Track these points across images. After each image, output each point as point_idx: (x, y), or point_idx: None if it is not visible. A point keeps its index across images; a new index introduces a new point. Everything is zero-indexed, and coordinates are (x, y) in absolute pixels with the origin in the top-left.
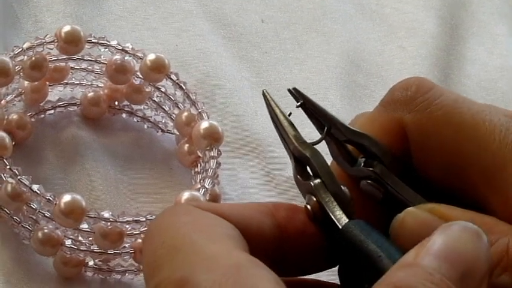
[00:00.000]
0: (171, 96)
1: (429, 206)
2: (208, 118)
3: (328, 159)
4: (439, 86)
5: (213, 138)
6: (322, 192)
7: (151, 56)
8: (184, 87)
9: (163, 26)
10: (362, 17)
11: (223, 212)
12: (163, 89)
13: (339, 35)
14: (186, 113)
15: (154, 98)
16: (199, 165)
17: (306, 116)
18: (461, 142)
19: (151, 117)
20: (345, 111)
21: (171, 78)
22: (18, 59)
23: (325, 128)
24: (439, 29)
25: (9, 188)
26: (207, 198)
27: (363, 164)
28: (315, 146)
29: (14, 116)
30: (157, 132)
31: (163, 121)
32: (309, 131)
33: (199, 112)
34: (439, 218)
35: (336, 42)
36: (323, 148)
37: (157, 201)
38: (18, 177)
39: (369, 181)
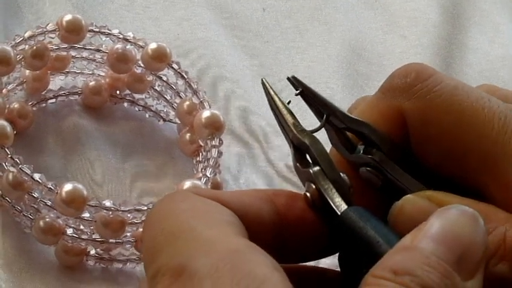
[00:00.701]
0: (172, 85)
1: (427, 193)
2: (209, 107)
3: (328, 147)
4: (439, 73)
5: (215, 127)
6: (321, 179)
7: (152, 45)
8: (185, 76)
9: (165, 15)
10: (364, 6)
11: (222, 198)
12: (164, 78)
13: (341, 24)
14: (187, 102)
15: (156, 87)
16: (200, 154)
17: (305, 104)
18: (461, 129)
19: (152, 106)
20: (346, 99)
21: (172, 67)
22: (20, 48)
23: (324, 116)
24: (440, 18)
25: (10, 176)
26: (209, 187)
27: (362, 151)
28: (314, 134)
29: (16, 105)
30: (159, 121)
31: (164, 110)
32: (310, 121)
33: (201, 101)
34: (437, 205)
35: (337, 31)
36: (322, 136)
37: (159, 190)
38: (20, 166)
39: (368, 168)
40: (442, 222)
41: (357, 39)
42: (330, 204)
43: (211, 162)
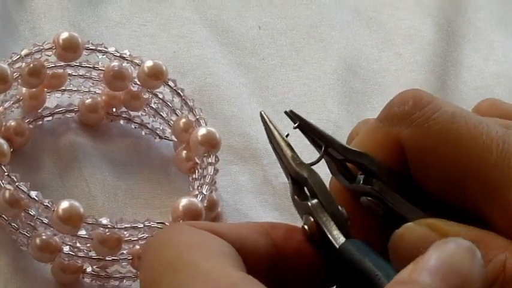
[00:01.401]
0: (168, 103)
1: (428, 221)
2: (206, 125)
3: (327, 180)
4: (437, 99)
5: (211, 144)
6: (319, 212)
7: (149, 63)
8: (182, 94)
9: (161, 33)
10: (359, 24)
11: (219, 230)
12: (161, 96)
13: (336, 41)
14: (183, 120)
15: (152, 105)
16: (197, 171)
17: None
18: (460, 157)
19: (149, 123)
20: (342, 117)
21: (168, 85)
22: (17, 65)
23: (323, 148)
24: (435, 35)
25: (7, 194)
26: (205, 205)
27: (362, 181)
28: (313, 166)
29: (12, 123)
30: (155, 138)
31: (161, 127)
32: (310, 154)
33: (197, 119)
34: (437, 233)
35: (333, 49)
36: (322, 168)
37: (155, 208)
38: (16, 183)
39: (369, 198)
40: (439, 256)
41: (352, 57)
42: (328, 237)
43: (207, 180)
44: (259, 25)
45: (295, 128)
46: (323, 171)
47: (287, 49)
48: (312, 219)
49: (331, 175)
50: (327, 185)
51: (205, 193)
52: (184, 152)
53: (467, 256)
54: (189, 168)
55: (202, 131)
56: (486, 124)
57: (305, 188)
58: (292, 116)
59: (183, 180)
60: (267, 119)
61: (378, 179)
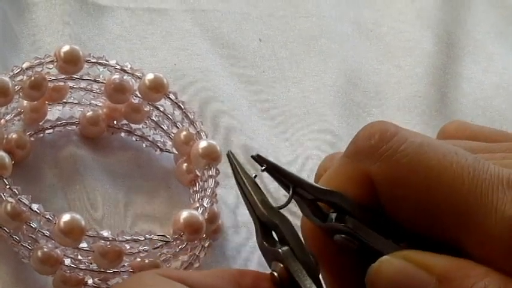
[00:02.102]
0: (169, 116)
1: (403, 253)
2: (206, 137)
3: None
4: (402, 130)
5: (212, 157)
6: (291, 260)
7: (150, 76)
8: (182, 107)
9: (162, 45)
10: (359, 36)
11: (188, 280)
12: (162, 108)
13: (336, 54)
14: (184, 132)
15: (153, 117)
16: (197, 184)
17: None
18: (431, 188)
19: (149, 136)
20: (342, 129)
21: (169, 98)
22: (18, 78)
23: (291, 190)
24: (435, 47)
25: (8, 207)
26: (206, 217)
27: (334, 219)
28: (282, 210)
29: (14, 135)
30: (156, 151)
31: (161, 140)
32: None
33: (198, 131)
34: (414, 264)
35: (333, 62)
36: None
37: (156, 220)
38: (18, 196)
39: (342, 235)
40: None
41: (352, 69)
42: (300, 286)
43: (208, 192)
44: (260, 37)
45: (262, 171)
46: (293, 211)
47: (287, 61)
48: (282, 266)
49: (301, 215)
50: (298, 230)
51: (206, 205)
52: (185, 164)
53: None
54: (189, 181)
55: (203, 144)
56: (455, 152)
57: (273, 233)
58: (259, 160)
59: (184, 193)
60: (234, 161)
61: (350, 215)
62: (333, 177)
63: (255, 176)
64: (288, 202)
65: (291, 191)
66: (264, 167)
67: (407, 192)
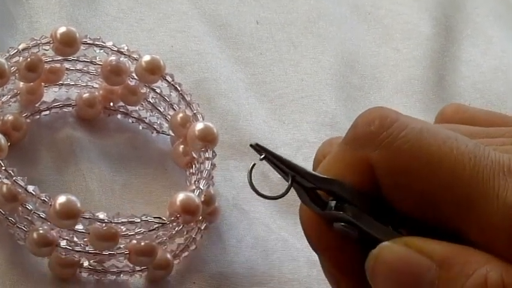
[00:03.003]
0: (166, 97)
1: (404, 239)
2: (203, 119)
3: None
4: (403, 116)
5: (208, 139)
6: (358, 215)
7: (146, 57)
8: (179, 89)
9: (159, 27)
10: (357, 19)
11: None
12: (158, 90)
13: (334, 36)
14: (181, 114)
15: (150, 99)
16: (194, 166)
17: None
18: (432, 175)
19: (146, 118)
20: (339, 112)
21: (166, 80)
22: (14, 60)
23: (290, 178)
24: (433, 30)
25: (4, 189)
26: (202, 199)
27: (333, 208)
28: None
29: (9, 117)
30: (152, 133)
31: (158, 122)
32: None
33: (195, 113)
34: (414, 250)
35: (330, 44)
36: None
37: (152, 202)
38: (14, 178)
39: (342, 223)
40: None
41: (350, 52)
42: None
43: (204, 175)
44: (257, 20)
45: (261, 160)
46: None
47: (285, 44)
48: (346, 225)
49: (300, 203)
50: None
51: (202, 188)
52: (182, 146)
53: None
54: (186, 163)
55: (199, 126)
56: (455, 138)
57: (321, 197)
58: (257, 148)
59: (180, 175)
60: (261, 146)
61: (349, 203)
62: (332, 164)
63: (253, 165)
64: (287, 190)
65: (290, 180)
66: (262, 156)
67: (408, 179)
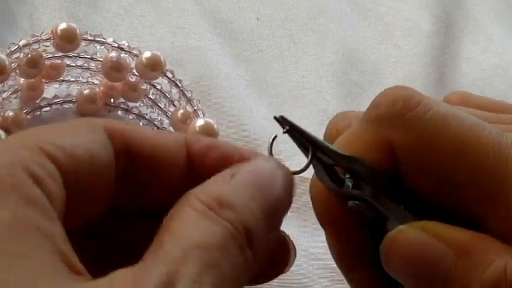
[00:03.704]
0: (166, 94)
1: (421, 223)
2: (203, 115)
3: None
4: (426, 98)
5: (209, 135)
6: (379, 197)
7: (147, 54)
8: (180, 85)
9: (159, 24)
10: (357, 16)
11: (130, 131)
12: (159, 87)
13: (334, 33)
14: (181, 111)
15: (150, 96)
16: None
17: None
18: (456, 160)
19: (146, 114)
20: (339, 109)
21: (166, 76)
22: (14, 56)
23: (310, 153)
24: (434, 27)
25: None
26: None
27: (351, 186)
28: (306, 170)
29: (10, 113)
30: (153, 129)
31: (159, 118)
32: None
33: (195, 110)
34: (432, 235)
35: (331, 41)
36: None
37: None
38: None
39: (356, 202)
40: (258, 169)
41: (350, 49)
42: (386, 214)
43: None
44: (258, 16)
45: (284, 133)
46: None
47: (285, 41)
48: (361, 203)
49: (313, 174)
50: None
51: None
52: None
53: (273, 169)
54: None
55: (200, 122)
56: (480, 125)
57: (339, 175)
58: (281, 121)
59: None
60: (287, 121)
61: (367, 183)
62: (352, 141)
63: (275, 137)
64: (308, 165)
65: (310, 155)
66: (286, 129)
67: (430, 163)
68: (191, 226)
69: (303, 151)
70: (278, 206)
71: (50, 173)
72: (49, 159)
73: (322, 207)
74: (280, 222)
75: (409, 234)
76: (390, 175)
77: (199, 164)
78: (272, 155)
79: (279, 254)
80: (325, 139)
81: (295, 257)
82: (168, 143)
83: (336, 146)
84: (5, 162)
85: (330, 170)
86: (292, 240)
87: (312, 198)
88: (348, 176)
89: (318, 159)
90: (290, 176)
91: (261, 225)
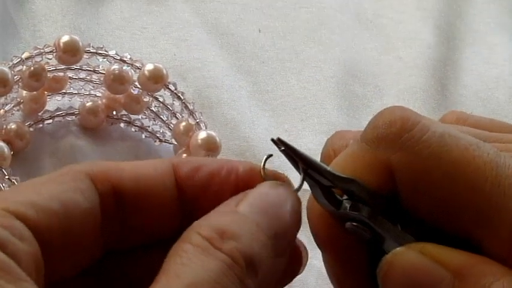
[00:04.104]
0: (169, 106)
1: (419, 245)
2: (206, 128)
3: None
4: (424, 119)
5: (211, 148)
6: (373, 216)
7: (149, 66)
8: (182, 97)
9: (162, 36)
10: (359, 27)
11: (115, 169)
12: (161, 99)
13: (336, 45)
14: (184, 123)
15: (152, 108)
16: None
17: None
18: (452, 182)
19: (149, 126)
20: (341, 120)
21: (169, 88)
22: (17, 68)
23: (302, 171)
24: (435, 39)
25: None
26: None
27: (349, 207)
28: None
29: (13, 126)
30: (155, 142)
31: (161, 131)
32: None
33: (197, 122)
34: (429, 258)
35: (333, 52)
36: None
37: None
38: None
39: (354, 223)
40: (265, 196)
41: (352, 60)
42: (384, 236)
43: None
44: (259, 28)
45: (281, 151)
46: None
47: (287, 52)
48: (358, 225)
49: (309, 195)
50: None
51: None
52: (185, 155)
53: (280, 195)
54: None
55: (202, 135)
56: (477, 145)
57: (336, 196)
58: (278, 142)
59: None
60: (283, 143)
61: (365, 204)
62: (349, 162)
63: (270, 155)
64: (301, 186)
65: (301, 175)
66: (282, 148)
67: (428, 185)
68: (187, 264)
69: (299, 172)
70: (286, 231)
71: (15, 233)
72: (16, 218)
73: (319, 228)
74: (289, 246)
75: (407, 256)
76: (388, 196)
77: (189, 186)
78: (265, 173)
79: (291, 261)
80: (322, 160)
81: (307, 258)
82: (152, 173)
83: (333, 167)
84: None
85: (327, 192)
86: (302, 242)
87: (308, 219)
88: (345, 197)
89: (315, 180)
90: (299, 201)
91: (269, 252)
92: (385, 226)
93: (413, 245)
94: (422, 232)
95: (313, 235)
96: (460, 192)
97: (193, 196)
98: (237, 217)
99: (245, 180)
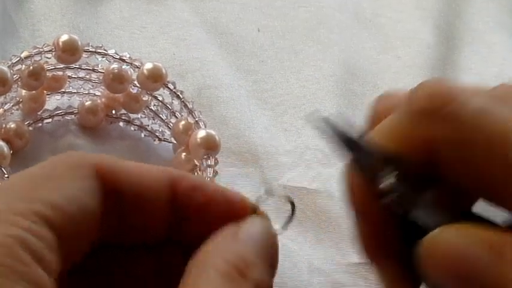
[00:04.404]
0: (168, 105)
1: (458, 225)
2: (205, 127)
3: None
4: (464, 91)
5: (210, 147)
6: (416, 197)
7: (148, 65)
8: (181, 96)
9: (161, 35)
10: (358, 26)
11: (114, 165)
12: (160, 98)
13: (335, 44)
14: (183, 122)
15: (152, 107)
16: (196, 173)
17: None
18: (492, 157)
19: (148, 125)
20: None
21: (168, 87)
22: (16, 68)
23: (291, 211)
24: (434, 38)
25: None
26: None
27: (388, 182)
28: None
29: (12, 125)
30: (154, 140)
31: (160, 130)
32: None
33: (196, 121)
34: (469, 237)
35: (332, 51)
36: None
37: None
38: None
39: (391, 198)
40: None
41: (351, 59)
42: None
43: None
44: (259, 27)
45: (325, 132)
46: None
47: (286, 51)
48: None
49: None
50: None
51: None
52: (184, 154)
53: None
54: (188, 171)
55: (201, 133)
56: None
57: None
58: (324, 122)
59: None
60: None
61: (405, 180)
62: (392, 136)
63: (261, 197)
64: (286, 226)
65: (291, 212)
66: (328, 128)
67: (470, 158)
68: None
69: (341, 151)
70: (277, 259)
71: (47, 244)
72: (45, 225)
73: (358, 200)
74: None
75: (446, 236)
76: (427, 171)
77: (185, 204)
78: (259, 210)
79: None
80: (372, 118)
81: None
82: (152, 182)
83: (374, 139)
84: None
85: (366, 166)
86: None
87: (347, 189)
88: (384, 172)
89: (355, 155)
90: (275, 234)
91: (270, 281)
92: (422, 203)
93: (452, 225)
94: (465, 213)
95: (349, 205)
96: (498, 167)
97: (186, 213)
98: (250, 246)
99: (234, 209)
